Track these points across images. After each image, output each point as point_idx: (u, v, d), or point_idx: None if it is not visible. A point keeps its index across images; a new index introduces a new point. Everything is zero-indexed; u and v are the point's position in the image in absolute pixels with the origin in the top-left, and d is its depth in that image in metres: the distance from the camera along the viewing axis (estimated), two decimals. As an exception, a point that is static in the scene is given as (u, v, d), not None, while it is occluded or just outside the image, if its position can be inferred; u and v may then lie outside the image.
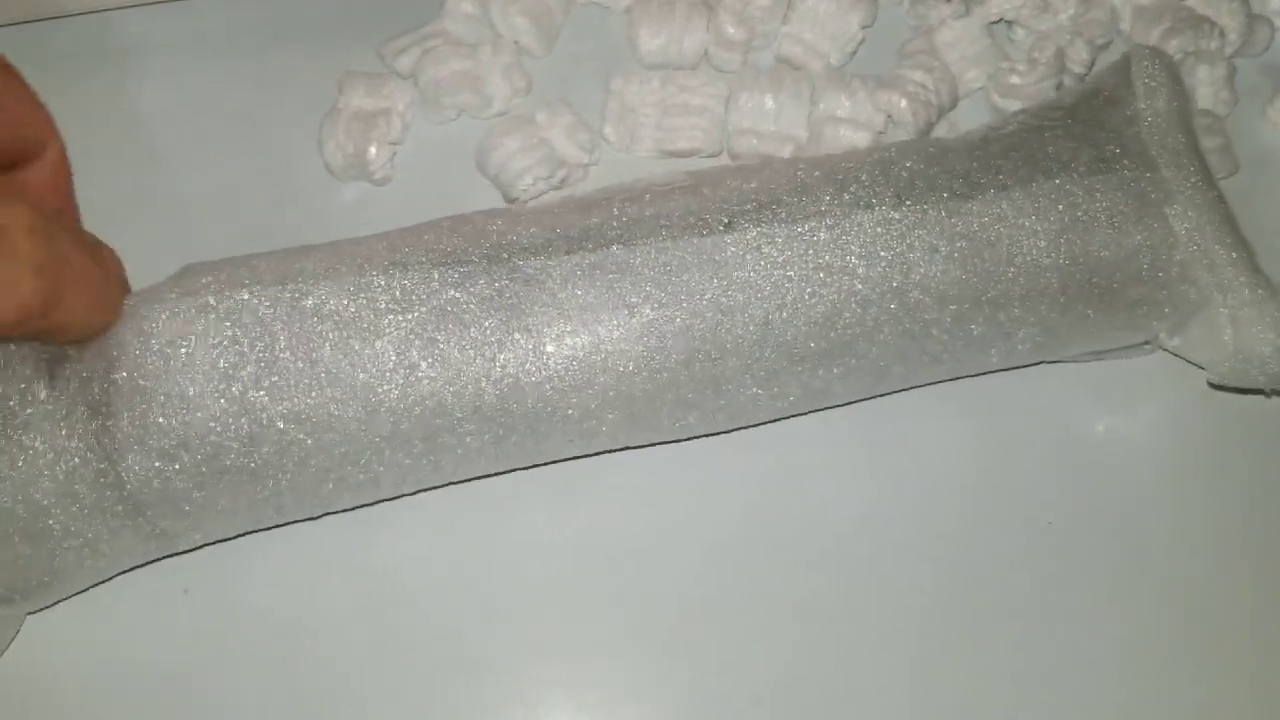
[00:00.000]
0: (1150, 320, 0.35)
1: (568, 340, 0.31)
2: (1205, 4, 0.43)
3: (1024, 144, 0.35)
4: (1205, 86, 0.42)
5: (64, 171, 0.31)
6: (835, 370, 0.33)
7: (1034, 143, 0.35)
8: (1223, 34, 0.42)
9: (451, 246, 0.31)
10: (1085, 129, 0.36)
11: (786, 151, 0.40)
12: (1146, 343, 0.37)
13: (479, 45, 0.41)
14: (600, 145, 0.40)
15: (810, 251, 0.32)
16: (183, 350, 0.29)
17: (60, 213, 0.31)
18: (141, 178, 0.39)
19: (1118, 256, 0.34)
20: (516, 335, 0.30)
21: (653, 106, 0.40)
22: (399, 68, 0.41)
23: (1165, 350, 0.38)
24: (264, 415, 0.29)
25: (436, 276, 0.30)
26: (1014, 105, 0.41)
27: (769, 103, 0.40)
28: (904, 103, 0.40)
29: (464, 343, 0.30)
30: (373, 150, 0.39)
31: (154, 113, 0.40)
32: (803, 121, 0.40)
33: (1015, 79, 0.41)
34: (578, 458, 0.34)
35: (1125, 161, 0.35)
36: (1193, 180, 0.35)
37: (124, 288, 0.30)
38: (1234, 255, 0.35)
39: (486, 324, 0.30)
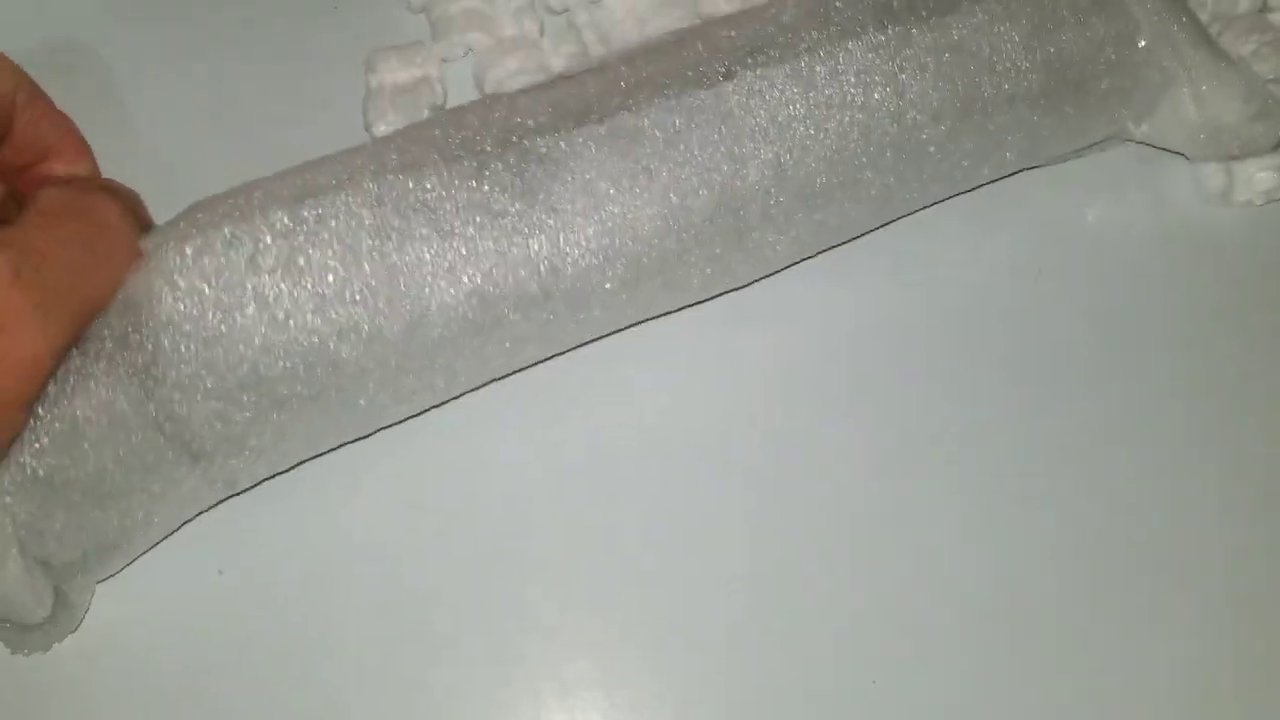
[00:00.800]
0: (1120, 107, 0.37)
1: (594, 214, 0.30)
2: None
3: None
4: None
5: (65, 124, 0.30)
6: (845, 203, 0.34)
7: None
8: None
9: (460, 139, 0.31)
10: None
11: None
12: (1117, 135, 0.38)
13: None
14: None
15: (809, 87, 0.32)
16: (214, 285, 0.28)
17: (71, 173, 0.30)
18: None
19: (1086, 50, 0.35)
20: (544, 216, 0.30)
21: (627, 19, 0.40)
22: (412, 2, 0.40)
23: (1134, 140, 0.39)
24: (312, 338, 0.28)
25: (454, 171, 0.30)
26: None
27: None
28: None
29: (496, 233, 0.30)
30: (426, 114, 0.38)
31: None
32: None
33: None
34: (614, 333, 0.34)
35: None
36: (1174, 31, 0.36)
37: (141, 227, 0.29)
38: (1192, 34, 0.36)
39: (513, 210, 0.30)
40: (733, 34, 0.33)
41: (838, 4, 0.34)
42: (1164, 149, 0.39)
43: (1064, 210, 0.39)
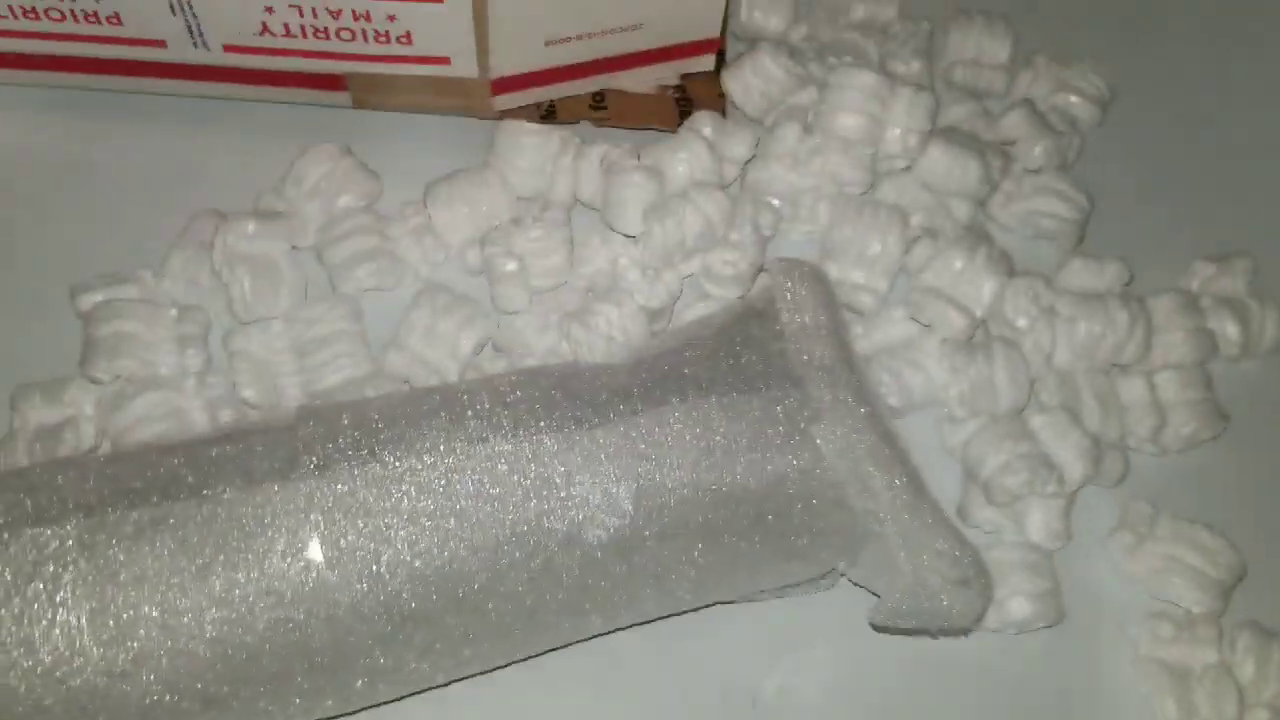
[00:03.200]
0: (817, 551, 0.33)
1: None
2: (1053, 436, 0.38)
3: (658, 365, 0.34)
4: (1037, 518, 0.38)
5: None
6: (455, 634, 0.31)
7: (671, 363, 0.34)
8: (1061, 478, 0.37)
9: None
10: (730, 347, 0.34)
11: (430, 383, 0.38)
12: (825, 575, 0.35)
13: (164, 307, 0.39)
14: (245, 415, 0.38)
15: (410, 497, 0.31)
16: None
17: None
18: None
19: (764, 484, 0.32)
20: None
21: (285, 352, 0.39)
22: (77, 305, 0.39)
23: (850, 580, 0.35)
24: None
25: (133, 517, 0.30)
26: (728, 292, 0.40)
27: (442, 326, 0.39)
28: (564, 345, 0.38)
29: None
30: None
31: None
32: (470, 349, 0.39)
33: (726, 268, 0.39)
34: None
35: (770, 380, 0.33)
36: (841, 396, 0.33)
37: None
38: (890, 477, 0.33)
39: None
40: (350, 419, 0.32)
41: (479, 405, 0.32)
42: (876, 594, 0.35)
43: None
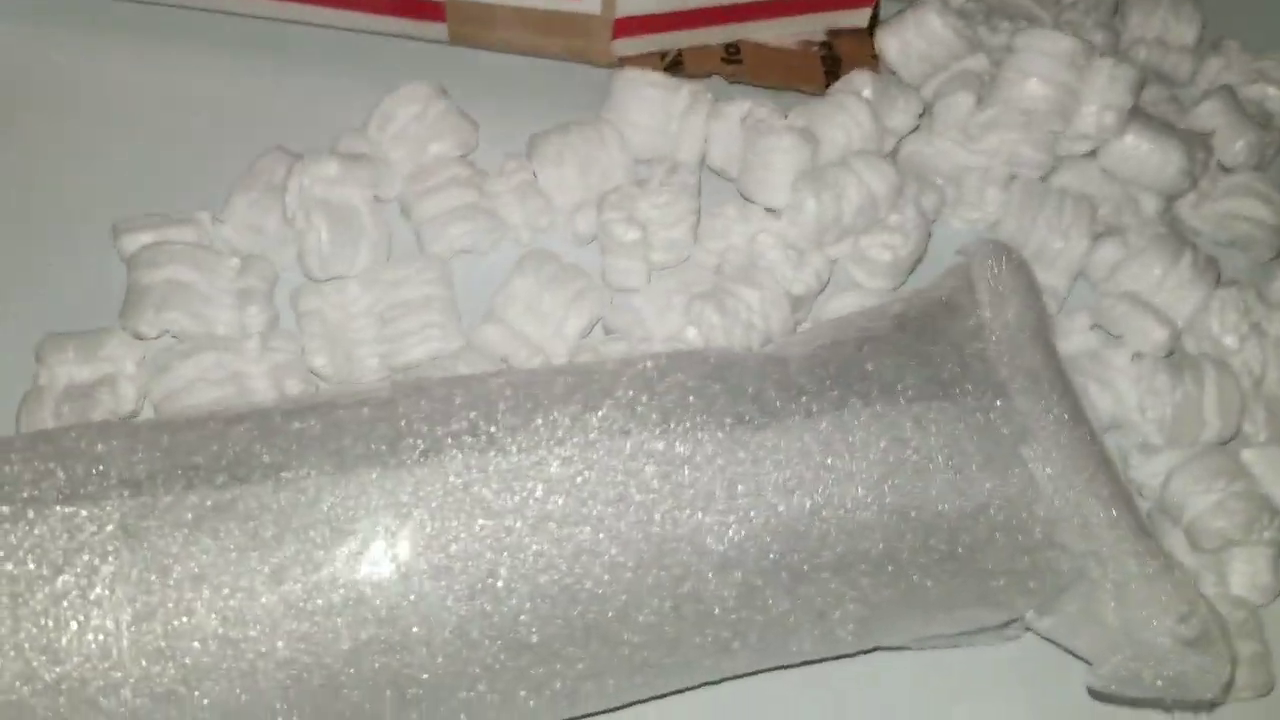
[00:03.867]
0: (1012, 595, 0.28)
1: None
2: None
3: (833, 358, 0.28)
4: (1242, 568, 0.32)
5: None
6: (579, 666, 0.26)
7: (848, 356, 0.28)
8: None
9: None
10: (916, 342, 0.29)
11: (533, 364, 0.33)
12: (1011, 623, 0.29)
13: (225, 255, 0.34)
14: (315, 387, 0.33)
15: (537, 497, 0.25)
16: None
17: None
18: None
19: (961, 510, 0.27)
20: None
21: (364, 316, 0.33)
22: (120, 247, 0.33)
23: (1036, 633, 0.30)
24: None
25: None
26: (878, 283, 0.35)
27: (548, 300, 0.33)
28: (690, 331, 0.33)
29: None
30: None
31: None
32: (579, 329, 0.33)
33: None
34: None
35: (967, 385, 0.28)
36: (1055, 412, 0.28)
37: None
38: (1113, 513, 0.27)
39: None
40: (456, 398, 0.27)
41: (618, 392, 0.26)
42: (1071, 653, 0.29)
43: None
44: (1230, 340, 0.34)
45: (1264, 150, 0.39)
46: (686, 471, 0.26)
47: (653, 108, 0.37)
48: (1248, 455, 0.33)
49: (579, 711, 0.27)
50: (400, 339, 0.33)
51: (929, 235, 0.35)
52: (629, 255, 0.34)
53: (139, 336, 0.33)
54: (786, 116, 0.36)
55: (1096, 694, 0.29)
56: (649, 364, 0.27)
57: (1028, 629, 0.30)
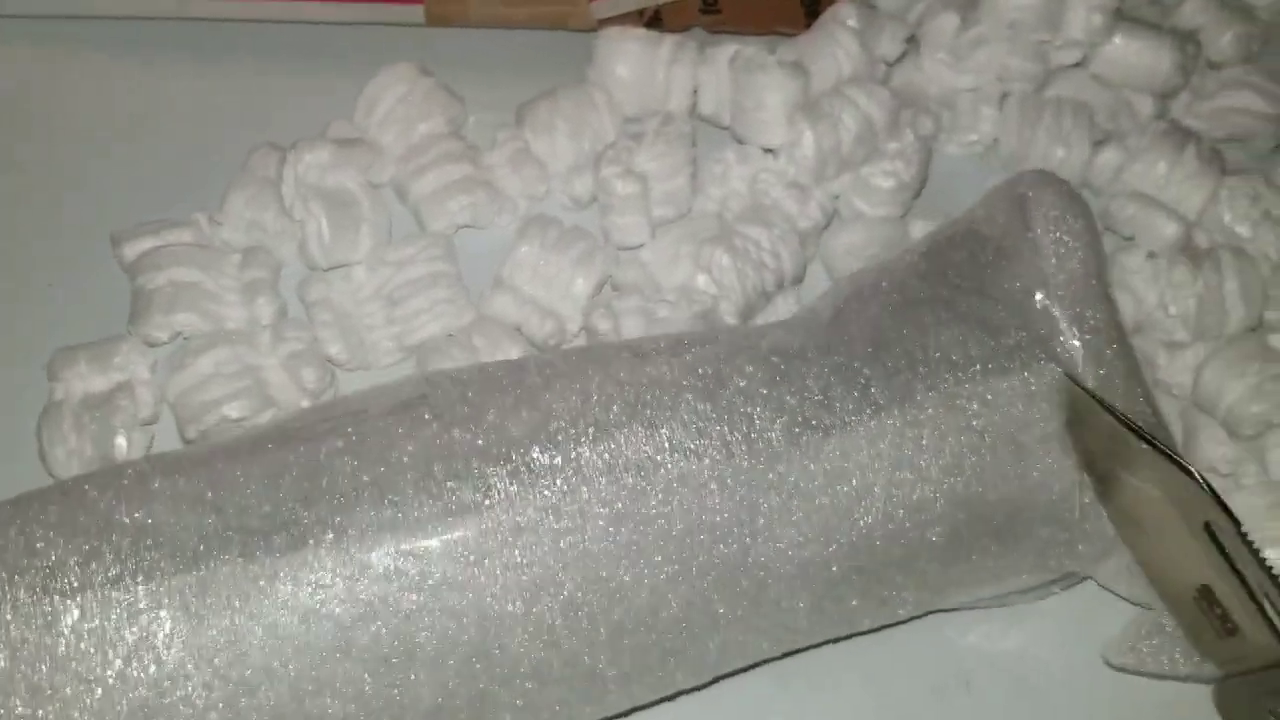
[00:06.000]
0: (1062, 559, 0.28)
1: None
2: None
3: (895, 339, 0.26)
4: None
5: None
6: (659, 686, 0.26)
7: (907, 336, 0.26)
8: None
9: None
10: (975, 301, 0.27)
11: (547, 328, 0.33)
12: (1058, 580, 0.29)
13: (225, 251, 0.33)
14: (330, 374, 0.32)
15: (596, 513, 0.24)
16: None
17: None
18: None
19: (1021, 487, 0.26)
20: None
21: (372, 300, 0.33)
22: (121, 255, 0.33)
23: (1096, 582, 0.29)
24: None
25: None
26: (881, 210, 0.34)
27: (554, 264, 0.33)
28: (701, 278, 0.32)
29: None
30: (121, 441, 0.30)
31: None
32: (589, 290, 0.33)
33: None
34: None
35: (1034, 353, 0.26)
36: (1115, 378, 0.27)
37: None
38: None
39: None
40: (502, 403, 0.26)
41: (665, 399, 0.26)
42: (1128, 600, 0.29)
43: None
44: (1243, 229, 0.34)
45: (1250, 43, 0.39)
46: (742, 491, 0.25)
47: (637, 63, 0.36)
48: (1276, 340, 0.32)
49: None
50: (412, 318, 0.33)
51: (929, 160, 0.35)
52: (630, 210, 0.34)
53: (150, 341, 0.32)
54: (774, 54, 0.35)
55: (1115, 667, 0.29)
56: (711, 351, 0.26)
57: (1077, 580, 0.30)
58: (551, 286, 0.33)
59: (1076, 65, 0.37)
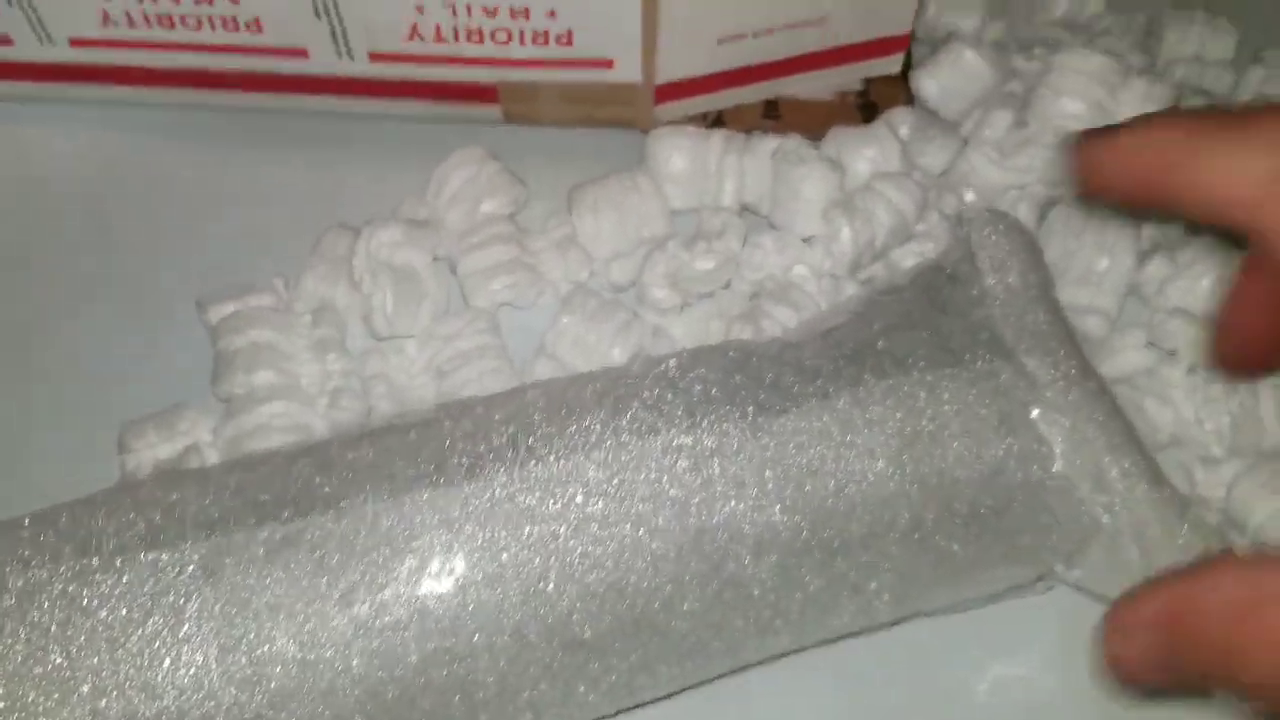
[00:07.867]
0: (1037, 551, 0.28)
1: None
2: None
3: (848, 338, 0.29)
4: None
5: None
6: (632, 658, 0.27)
7: (860, 335, 0.29)
8: None
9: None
10: (924, 314, 0.30)
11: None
12: (1040, 578, 0.30)
13: (298, 313, 0.36)
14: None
15: (577, 501, 0.26)
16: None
17: None
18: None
19: (979, 474, 0.27)
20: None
21: (423, 373, 0.35)
22: (206, 319, 0.36)
23: (1067, 585, 0.30)
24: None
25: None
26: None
27: (593, 335, 0.35)
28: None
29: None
30: None
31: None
32: (623, 359, 0.34)
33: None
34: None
35: (977, 351, 0.29)
36: (1062, 368, 0.29)
37: None
38: (1125, 464, 0.28)
39: None
40: (494, 415, 0.28)
41: (643, 393, 0.28)
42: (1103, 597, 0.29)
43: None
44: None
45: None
46: (716, 462, 0.27)
47: (687, 155, 0.38)
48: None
49: (635, 701, 0.28)
50: (460, 390, 0.35)
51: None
52: (667, 313, 0.36)
53: (228, 401, 0.35)
54: (817, 147, 0.37)
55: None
56: (671, 363, 0.28)
57: (1059, 583, 0.30)
58: (591, 356, 0.35)
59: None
